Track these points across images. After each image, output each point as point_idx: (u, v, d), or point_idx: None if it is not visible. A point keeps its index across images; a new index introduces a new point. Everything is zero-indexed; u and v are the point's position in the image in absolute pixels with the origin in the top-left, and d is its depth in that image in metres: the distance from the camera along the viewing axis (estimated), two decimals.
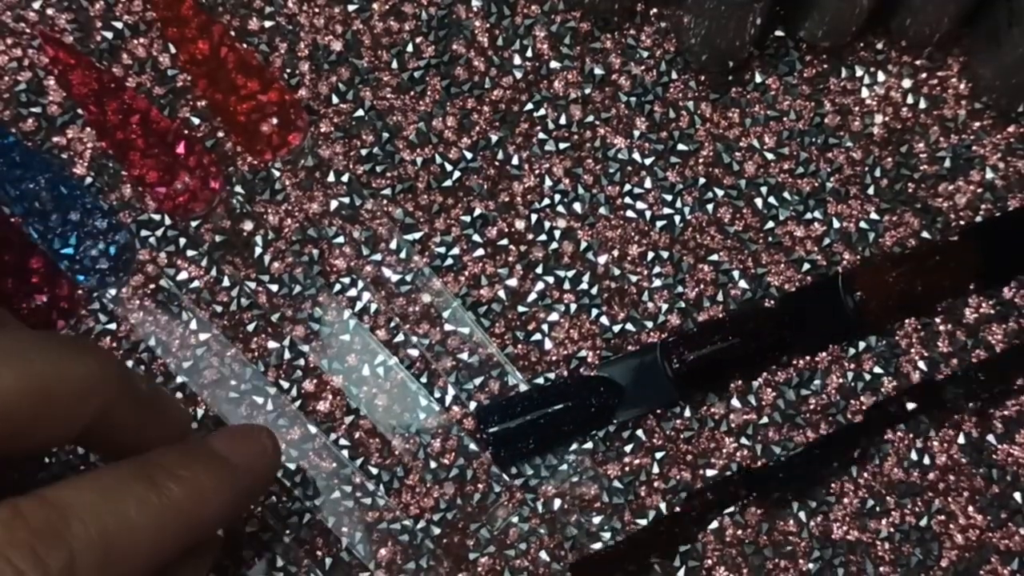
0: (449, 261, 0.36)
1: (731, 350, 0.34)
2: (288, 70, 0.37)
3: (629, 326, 0.36)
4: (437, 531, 0.34)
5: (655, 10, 0.38)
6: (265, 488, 0.34)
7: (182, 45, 0.37)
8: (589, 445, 0.35)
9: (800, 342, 0.35)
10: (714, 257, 0.36)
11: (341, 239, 0.36)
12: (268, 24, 0.38)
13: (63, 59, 0.37)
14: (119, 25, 0.37)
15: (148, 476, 0.28)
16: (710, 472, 0.35)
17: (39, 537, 0.25)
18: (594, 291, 0.36)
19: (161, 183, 0.36)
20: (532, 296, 0.36)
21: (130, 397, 0.29)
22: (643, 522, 0.34)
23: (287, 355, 0.36)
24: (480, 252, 0.36)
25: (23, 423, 0.27)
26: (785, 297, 0.36)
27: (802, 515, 0.34)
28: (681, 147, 0.37)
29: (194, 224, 0.36)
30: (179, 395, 0.35)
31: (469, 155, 0.37)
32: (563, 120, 0.37)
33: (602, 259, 0.36)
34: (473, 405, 0.35)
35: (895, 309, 0.35)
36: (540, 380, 0.35)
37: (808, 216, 0.37)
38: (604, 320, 0.36)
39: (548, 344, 0.36)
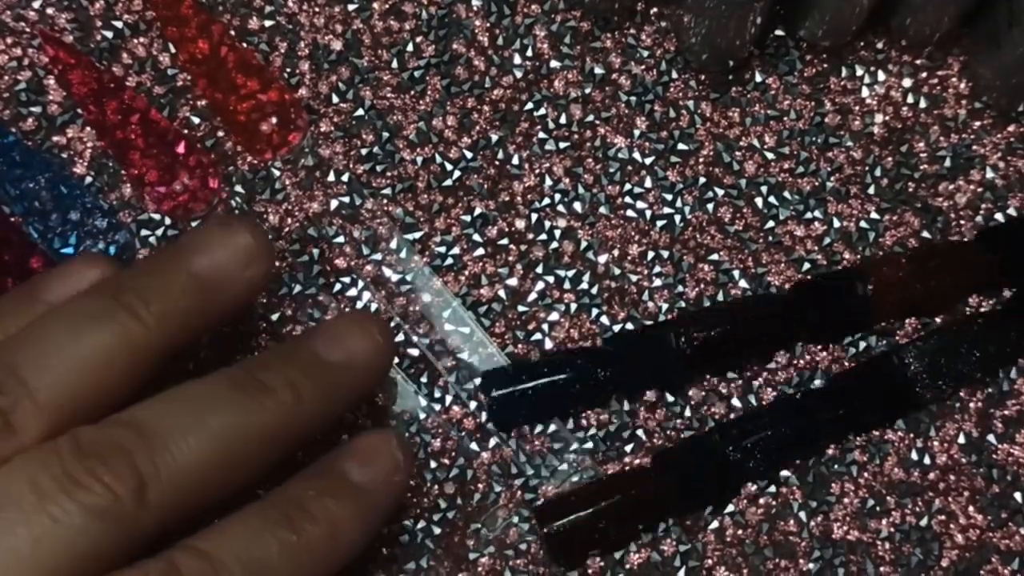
0: (449, 261, 0.36)
1: (741, 333, 0.34)
2: (288, 69, 0.37)
3: (629, 326, 0.36)
4: (437, 531, 0.34)
5: (655, 9, 0.38)
6: (400, 501, 0.33)
7: (182, 44, 0.37)
8: (589, 445, 0.35)
9: (808, 331, 0.35)
10: (714, 257, 0.36)
11: (341, 239, 0.36)
12: (268, 23, 0.38)
13: (63, 58, 0.37)
14: (119, 24, 0.37)
15: (288, 518, 0.28)
16: None
17: None
18: (594, 291, 0.36)
19: (161, 183, 0.36)
20: (532, 296, 0.36)
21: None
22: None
23: None
24: (480, 251, 0.36)
25: (204, 491, 0.28)
26: (799, 285, 0.35)
27: (802, 515, 0.34)
28: (681, 146, 0.37)
29: (194, 224, 0.36)
30: None
31: (469, 154, 0.37)
32: (563, 119, 0.37)
33: (602, 259, 0.36)
34: (473, 405, 0.35)
35: (907, 305, 0.35)
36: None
37: (808, 215, 0.37)
38: (604, 320, 0.36)
39: (548, 344, 0.36)
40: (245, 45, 0.37)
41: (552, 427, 0.35)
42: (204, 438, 0.28)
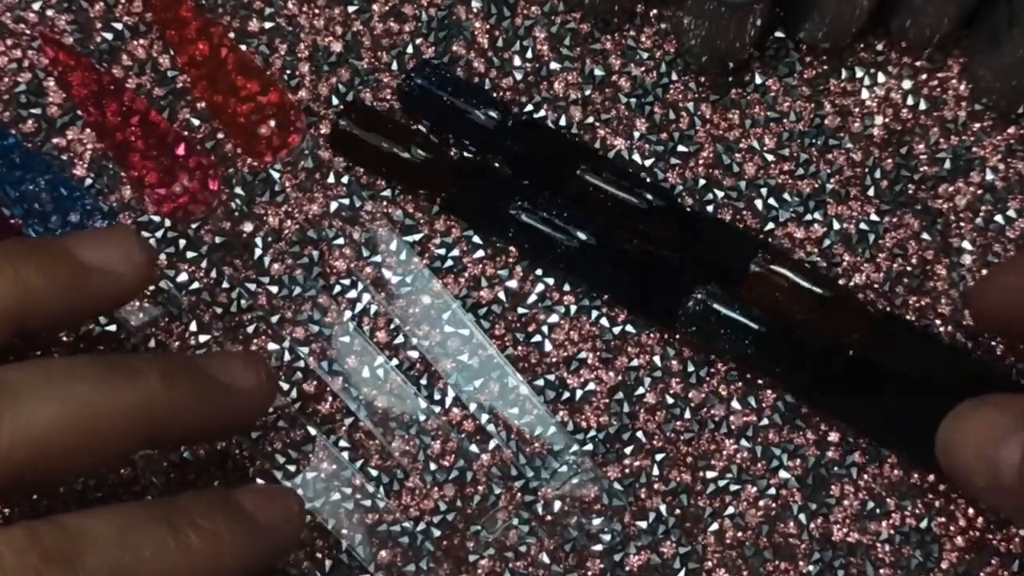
0: (449, 263, 0.36)
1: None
2: (288, 71, 0.37)
3: (629, 328, 0.36)
4: (437, 533, 0.34)
5: (655, 11, 0.38)
6: (286, 555, 0.34)
7: (181, 47, 0.37)
8: (589, 447, 0.35)
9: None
10: None
11: (341, 240, 0.36)
12: (268, 25, 0.38)
13: (63, 60, 0.37)
14: (119, 26, 0.37)
15: (169, 520, 0.27)
16: (710, 474, 0.35)
17: (49, 563, 0.25)
18: (594, 292, 0.36)
19: (161, 185, 0.36)
20: (532, 297, 0.36)
21: (191, 412, 0.29)
22: (643, 524, 0.34)
23: (287, 357, 0.36)
24: (480, 254, 0.36)
25: (62, 457, 0.27)
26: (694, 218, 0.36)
27: (802, 517, 0.35)
28: (681, 148, 0.37)
29: (194, 226, 0.36)
30: None
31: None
32: (563, 121, 0.37)
33: None
34: (473, 406, 0.35)
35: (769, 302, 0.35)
36: (540, 382, 0.35)
37: (808, 217, 0.37)
38: (604, 322, 0.36)
39: (548, 346, 0.36)
40: (244, 47, 0.37)
41: (552, 429, 0.35)
42: (67, 402, 0.27)
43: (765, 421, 0.35)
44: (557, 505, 0.35)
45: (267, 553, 0.30)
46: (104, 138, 0.36)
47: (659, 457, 0.35)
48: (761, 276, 0.35)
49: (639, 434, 0.35)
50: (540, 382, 0.35)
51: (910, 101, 0.37)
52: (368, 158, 0.36)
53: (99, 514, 0.27)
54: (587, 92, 0.37)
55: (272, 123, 0.36)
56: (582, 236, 0.35)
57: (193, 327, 0.36)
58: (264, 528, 0.30)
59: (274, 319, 0.36)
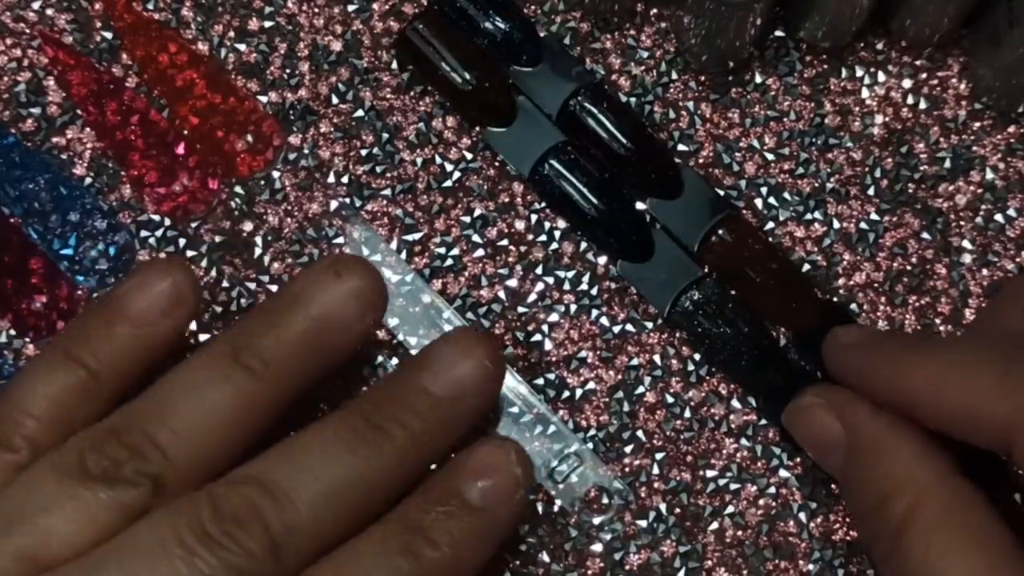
0: (449, 262, 0.36)
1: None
2: (287, 70, 0.37)
3: (629, 327, 0.36)
4: None
5: (655, 10, 0.38)
6: (515, 526, 0.33)
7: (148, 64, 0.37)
8: (589, 446, 0.35)
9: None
10: None
11: (341, 240, 0.36)
12: (268, 24, 0.38)
13: (63, 59, 0.37)
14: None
15: (406, 544, 0.29)
16: (710, 473, 0.35)
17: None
18: (594, 292, 0.36)
19: (161, 184, 0.36)
20: (532, 297, 0.36)
21: None
22: (643, 523, 0.34)
23: None
24: (480, 253, 0.36)
25: (331, 532, 0.29)
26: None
27: (802, 516, 0.34)
28: (681, 147, 0.37)
29: (194, 225, 0.36)
30: None
31: (469, 155, 0.37)
32: None
33: (602, 260, 0.36)
34: None
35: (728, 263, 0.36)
36: (540, 381, 0.35)
37: (808, 216, 0.37)
38: (604, 321, 0.36)
39: (548, 345, 0.36)
40: (244, 47, 0.37)
41: (552, 428, 0.35)
42: (329, 490, 0.29)
43: (765, 420, 0.35)
44: (557, 504, 0.35)
45: (503, 531, 0.31)
46: (104, 137, 0.36)
47: (659, 456, 0.35)
48: (722, 245, 0.35)
49: (639, 433, 0.35)
50: (540, 381, 0.35)
51: (910, 100, 0.37)
52: (425, 71, 0.37)
53: (343, 562, 0.29)
54: None
55: (249, 139, 0.36)
56: (601, 205, 0.35)
57: (193, 326, 0.36)
58: (495, 512, 0.31)
59: None
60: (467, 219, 0.36)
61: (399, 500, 0.31)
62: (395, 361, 0.35)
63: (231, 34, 0.37)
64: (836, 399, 0.32)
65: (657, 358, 0.36)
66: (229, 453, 0.30)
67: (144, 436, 0.29)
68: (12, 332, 0.35)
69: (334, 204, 0.37)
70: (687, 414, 0.35)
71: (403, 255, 0.36)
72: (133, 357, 0.31)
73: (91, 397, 0.30)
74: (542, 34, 0.37)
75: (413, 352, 0.35)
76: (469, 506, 0.30)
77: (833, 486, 0.35)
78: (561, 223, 0.36)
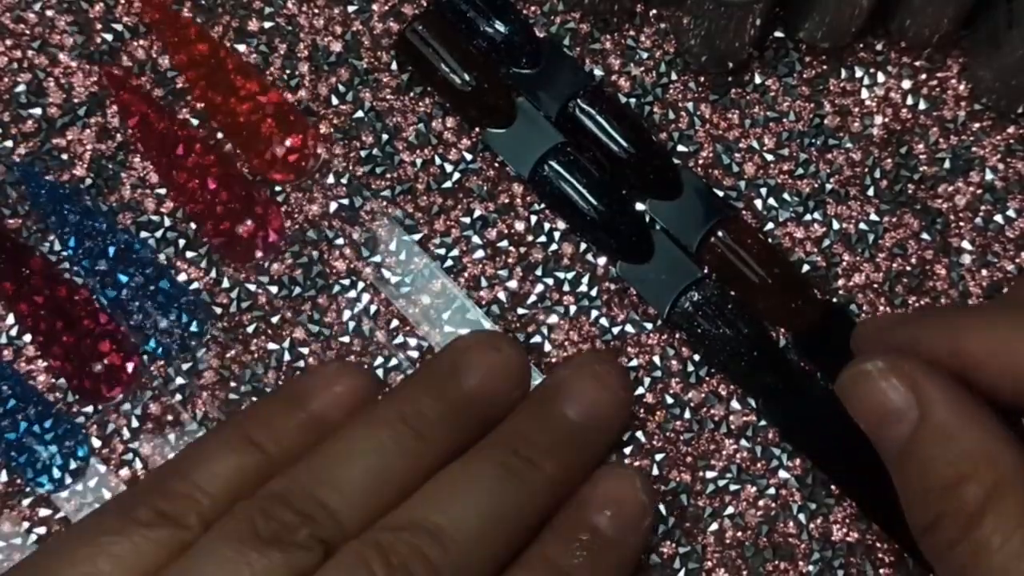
0: (449, 263, 0.36)
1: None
2: (287, 71, 0.37)
3: (629, 328, 0.36)
4: None
5: (655, 11, 0.38)
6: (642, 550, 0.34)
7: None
8: None
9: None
10: None
11: (341, 240, 0.36)
12: (267, 25, 0.38)
13: (136, 108, 0.36)
14: (119, 27, 0.37)
15: None
16: (710, 474, 0.35)
17: None
18: (594, 293, 0.36)
19: (227, 229, 0.36)
20: (532, 298, 0.36)
21: None
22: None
23: (287, 357, 0.36)
24: (480, 254, 0.36)
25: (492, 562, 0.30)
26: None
27: (802, 517, 0.35)
28: (681, 148, 0.37)
29: (193, 226, 0.36)
30: (178, 396, 0.35)
31: (469, 156, 0.37)
32: None
33: (601, 261, 0.36)
34: None
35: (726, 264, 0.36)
36: (539, 381, 0.35)
37: (808, 217, 0.37)
38: (604, 322, 0.36)
39: (548, 346, 0.36)
40: (244, 47, 0.37)
41: None
42: (487, 527, 0.30)
43: (764, 421, 0.35)
44: None
45: (635, 559, 0.32)
46: (180, 198, 0.36)
47: (659, 457, 0.35)
48: (721, 246, 0.35)
49: (639, 434, 0.35)
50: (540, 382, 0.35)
51: (910, 101, 0.37)
52: (424, 72, 0.37)
53: None
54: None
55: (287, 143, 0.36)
56: (600, 206, 0.35)
57: (194, 327, 0.36)
58: (628, 543, 0.31)
59: (274, 319, 0.36)
60: (467, 220, 0.37)
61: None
62: (394, 362, 0.36)
63: (231, 34, 0.37)
64: (908, 367, 0.29)
65: (657, 359, 0.36)
66: (389, 511, 0.30)
67: (314, 500, 0.29)
68: (12, 332, 0.36)
69: (334, 205, 0.37)
70: (687, 415, 0.35)
71: (403, 256, 0.36)
72: (306, 443, 0.31)
73: (263, 481, 0.30)
74: (541, 35, 0.37)
75: (412, 352, 0.36)
76: (604, 538, 0.31)
77: (832, 487, 0.35)
78: (561, 224, 0.36)
